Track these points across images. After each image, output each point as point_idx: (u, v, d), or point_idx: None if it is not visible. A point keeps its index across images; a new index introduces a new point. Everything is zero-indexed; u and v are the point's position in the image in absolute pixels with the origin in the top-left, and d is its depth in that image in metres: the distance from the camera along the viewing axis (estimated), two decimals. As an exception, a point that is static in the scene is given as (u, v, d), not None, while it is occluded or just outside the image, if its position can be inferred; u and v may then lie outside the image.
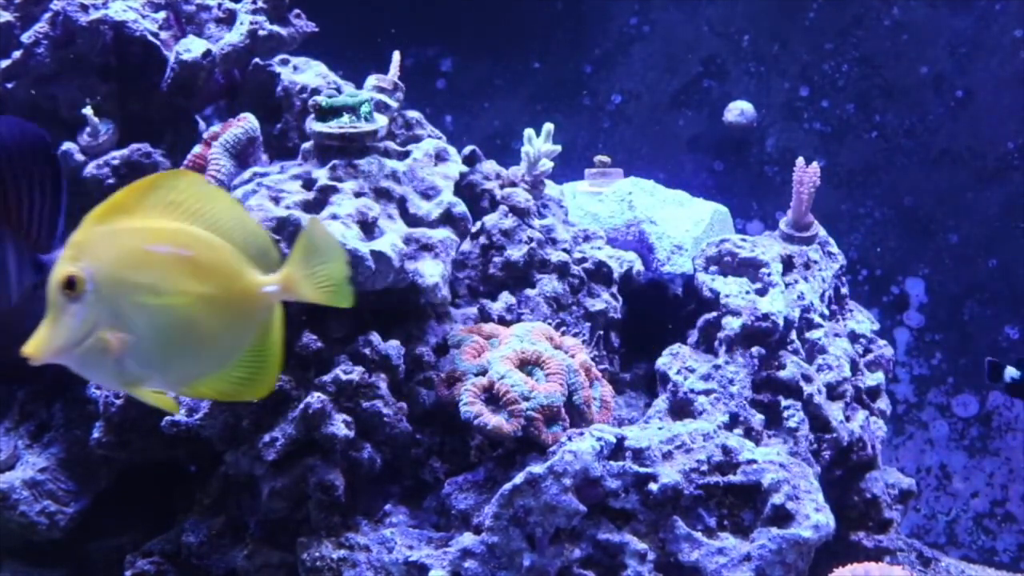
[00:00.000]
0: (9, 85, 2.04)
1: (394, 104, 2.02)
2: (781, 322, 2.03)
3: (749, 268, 2.13)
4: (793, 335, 2.07)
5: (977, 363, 3.14)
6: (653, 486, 1.64)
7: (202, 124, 2.20)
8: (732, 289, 2.09)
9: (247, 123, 2.00)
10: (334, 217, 1.75)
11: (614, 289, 2.14)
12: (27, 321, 1.03)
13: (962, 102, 3.13)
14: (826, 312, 2.20)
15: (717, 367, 2.00)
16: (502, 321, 1.97)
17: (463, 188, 2.04)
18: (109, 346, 1.03)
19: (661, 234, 2.30)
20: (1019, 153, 3.11)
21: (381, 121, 1.91)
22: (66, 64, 2.04)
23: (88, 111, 2.00)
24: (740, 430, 1.93)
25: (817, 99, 3.20)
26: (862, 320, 2.30)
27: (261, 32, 2.14)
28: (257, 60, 2.16)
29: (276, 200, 1.79)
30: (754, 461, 1.68)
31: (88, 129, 2.01)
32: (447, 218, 1.87)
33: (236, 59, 2.14)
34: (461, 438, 1.84)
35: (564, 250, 2.09)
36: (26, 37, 2.02)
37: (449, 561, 1.62)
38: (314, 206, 1.79)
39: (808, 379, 2.03)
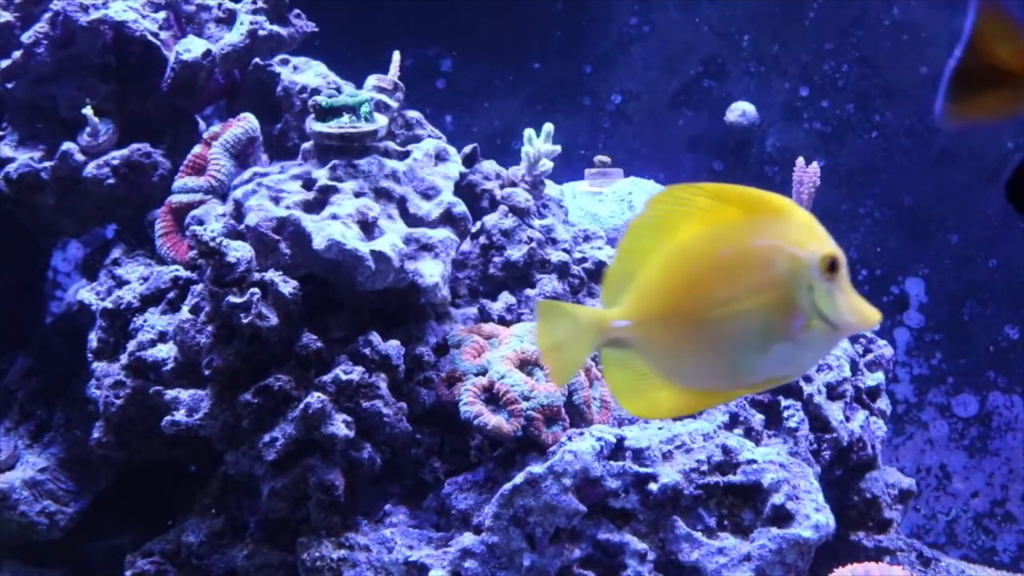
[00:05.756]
0: (9, 85, 2.04)
1: (394, 104, 2.02)
2: (781, 322, 2.03)
3: (749, 268, 2.13)
4: (793, 335, 2.07)
5: (977, 363, 3.14)
6: (653, 486, 1.64)
7: (202, 124, 2.20)
8: (732, 289, 2.08)
9: (247, 123, 2.00)
10: (334, 217, 1.75)
11: (614, 289, 2.14)
12: None
13: (962, 102, 3.13)
14: (826, 312, 2.19)
15: (717, 367, 2.00)
16: (502, 321, 1.97)
17: (463, 188, 2.04)
18: None
19: (661, 234, 2.29)
20: (1019, 153, 3.10)
21: (381, 121, 1.91)
22: (66, 64, 2.03)
23: (88, 111, 1.99)
24: (740, 430, 1.93)
25: (817, 99, 3.20)
26: (862, 320, 2.29)
27: (261, 32, 2.13)
28: (257, 60, 2.16)
29: (276, 200, 1.79)
30: (754, 461, 1.68)
31: (88, 129, 2.01)
32: (447, 218, 1.87)
33: (236, 59, 2.13)
34: (461, 438, 1.84)
35: (564, 250, 2.09)
36: (26, 37, 2.02)
37: (449, 561, 1.62)
38: (314, 206, 1.79)
39: (808, 379, 2.03)
